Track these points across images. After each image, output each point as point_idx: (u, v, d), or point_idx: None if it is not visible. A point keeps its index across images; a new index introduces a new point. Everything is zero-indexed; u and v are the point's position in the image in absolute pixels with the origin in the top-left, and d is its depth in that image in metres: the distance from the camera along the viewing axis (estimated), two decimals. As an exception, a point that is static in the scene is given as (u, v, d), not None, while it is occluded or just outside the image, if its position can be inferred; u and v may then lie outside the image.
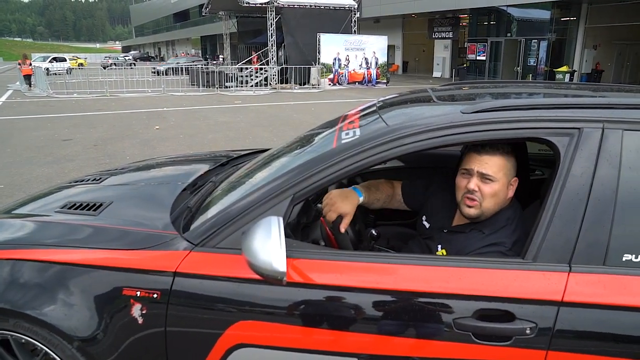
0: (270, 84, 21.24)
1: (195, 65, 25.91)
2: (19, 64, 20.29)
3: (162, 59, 55.87)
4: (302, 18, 21.56)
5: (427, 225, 1.87)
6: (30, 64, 20.82)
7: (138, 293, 1.55)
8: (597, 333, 1.33)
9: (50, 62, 30.57)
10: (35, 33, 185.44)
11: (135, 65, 34.19)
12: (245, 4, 20.93)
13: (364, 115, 1.92)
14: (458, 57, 30.21)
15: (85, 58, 52.38)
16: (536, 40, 22.88)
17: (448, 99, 2.01)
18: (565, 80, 18.92)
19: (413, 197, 2.02)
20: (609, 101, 1.54)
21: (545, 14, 22.91)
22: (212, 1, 24.33)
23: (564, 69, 21.22)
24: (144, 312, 1.55)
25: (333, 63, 21.78)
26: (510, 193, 1.66)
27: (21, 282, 1.64)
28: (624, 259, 1.36)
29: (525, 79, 19.74)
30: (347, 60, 22.03)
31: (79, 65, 30.51)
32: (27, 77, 19.95)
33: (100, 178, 2.46)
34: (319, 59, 21.52)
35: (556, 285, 1.35)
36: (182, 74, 22.85)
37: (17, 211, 2.14)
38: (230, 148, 6.57)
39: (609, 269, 1.35)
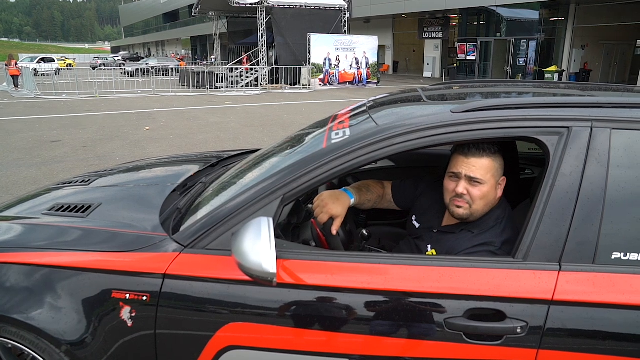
0: (260, 84, 21.19)
1: (168, 66, 25.46)
2: (6, 65, 20.07)
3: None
4: (293, 18, 21.54)
5: (417, 225, 1.86)
6: (17, 64, 20.59)
7: (127, 295, 1.54)
8: (587, 331, 1.34)
9: (38, 62, 30.23)
10: (23, 33, 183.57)
11: (124, 65, 33.69)
12: (235, 4, 20.87)
13: (354, 115, 1.92)
14: (448, 57, 30.37)
15: (74, 59, 51.92)
16: (525, 40, 23.05)
17: (438, 99, 2.01)
18: (554, 80, 19.06)
19: (403, 197, 2.02)
20: (597, 100, 1.55)
21: (534, 14, 23.09)
22: (201, 1, 24.24)
23: (553, 68, 21.41)
24: (133, 314, 1.54)
25: (324, 63, 21.79)
26: (499, 193, 1.66)
27: (7, 286, 1.62)
28: (613, 257, 1.36)
29: (515, 79, 19.90)
30: (338, 60, 22.05)
31: (67, 66, 30.25)
32: (14, 78, 19.73)
33: (88, 180, 2.44)
34: (309, 59, 21.52)
35: (546, 284, 1.35)
36: (167, 74, 22.45)
37: (3, 214, 2.11)
38: (220, 149, 6.56)
39: (599, 267, 1.36)
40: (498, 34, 24.83)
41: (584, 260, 1.37)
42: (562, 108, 1.50)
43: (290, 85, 21.22)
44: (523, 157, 2.41)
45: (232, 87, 20.65)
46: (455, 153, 1.65)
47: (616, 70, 24.06)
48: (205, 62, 33.67)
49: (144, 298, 1.53)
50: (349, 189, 1.86)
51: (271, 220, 1.40)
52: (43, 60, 31.45)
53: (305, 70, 21.32)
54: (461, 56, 26.82)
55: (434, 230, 1.77)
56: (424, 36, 30.62)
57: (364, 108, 1.96)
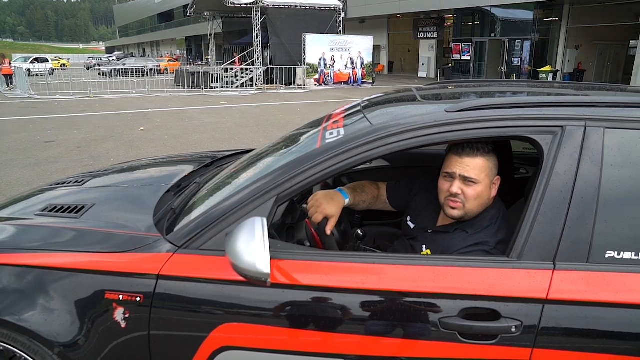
0: (256, 84, 21.15)
1: (146, 67, 24.96)
2: (-1, 65, 19.95)
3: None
4: (288, 18, 21.52)
5: (411, 225, 1.86)
6: (10, 64, 20.46)
7: (121, 297, 1.53)
8: (582, 330, 1.34)
9: (31, 62, 30.04)
10: (16, 33, 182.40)
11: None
12: (230, 4, 20.82)
13: (348, 115, 1.92)
14: (443, 57, 30.43)
15: (68, 59, 51.72)
16: (520, 41, 23.15)
17: (432, 98, 2.01)
18: (549, 80, 19.15)
19: (398, 198, 2.02)
20: (591, 99, 1.55)
21: (528, 15, 23.19)
22: (196, 1, 24.18)
23: (547, 68, 21.49)
24: (126, 315, 1.53)
25: (319, 63, 21.78)
26: (494, 192, 1.66)
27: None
28: (606, 255, 1.37)
29: (509, 79, 19.96)
30: (333, 60, 22.05)
31: (61, 66, 30.05)
32: (7, 77, 19.60)
33: (82, 180, 2.42)
34: (304, 59, 21.51)
35: (541, 283, 1.35)
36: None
37: (-4, 215, 2.09)
38: (215, 149, 6.53)
39: (592, 266, 1.36)
40: (493, 34, 24.92)
41: (578, 259, 1.37)
42: (556, 107, 1.50)
43: (286, 85, 21.20)
44: (518, 156, 2.41)
45: (227, 87, 20.60)
46: (449, 153, 1.65)
47: (610, 70, 24.18)
48: (200, 62, 33.53)
49: (138, 299, 1.52)
50: (344, 189, 1.86)
51: (265, 220, 1.39)
52: (37, 60, 31.24)
53: (300, 71, 21.31)
54: (456, 56, 26.91)
55: (429, 231, 1.77)
56: (419, 36, 30.67)
57: (359, 108, 1.96)
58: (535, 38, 22.98)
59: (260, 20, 21.34)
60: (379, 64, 33.87)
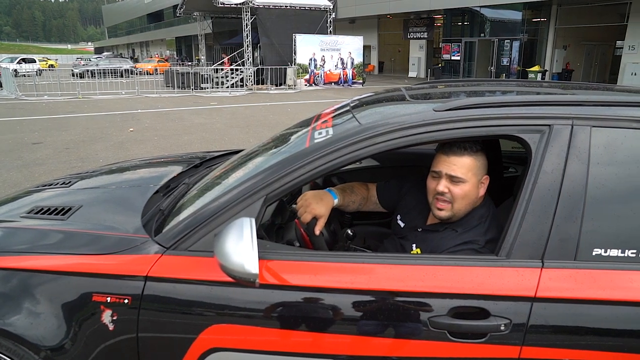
0: (246, 85, 21.09)
1: (120, 67, 24.42)
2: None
3: (135, 60, 54.94)
4: (278, 19, 21.50)
5: (401, 224, 1.87)
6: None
7: (108, 299, 1.51)
8: (570, 327, 1.35)
9: (18, 63, 29.66)
10: (2, 33, 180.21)
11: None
12: (220, 5, 20.75)
13: (337, 115, 1.91)
14: (433, 57, 30.58)
15: (56, 59, 51.19)
16: (509, 41, 23.32)
17: (421, 98, 2.02)
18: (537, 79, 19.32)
19: (388, 198, 2.02)
20: (577, 98, 1.56)
21: (516, 15, 23.38)
22: (186, 1, 24.07)
23: (536, 68, 21.67)
24: (114, 318, 1.51)
25: (309, 63, 21.78)
26: (482, 191, 1.67)
27: (-17, 291, 1.58)
28: (594, 253, 1.38)
29: (498, 78, 20.09)
30: (323, 60, 22.06)
31: (49, 67, 29.70)
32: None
33: (69, 182, 2.39)
34: (294, 59, 21.50)
35: (529, 281, 1.36)
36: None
37: (-19, 217, 2.06)
38: (205, 149, 6.50)
39: (580, 263, 1.37)
40: (482, 35, 25.08)
41: (565, 257, 1.38)
42: (543, 106, 1.51)
43: (276, 85, 21.16)
44: (507, 155, 2.42)
45: (217, 87, 20.53)
46: (437, 152, 1.65)
47: (597, 70, 24.45)
48: (190, 63, 33.35)
49: (126, 301, 1.50)
50: (333, 190, 1.86)
51: (253, 220, 1.38)
52: (24, 60, 30.88)
53: (290, 71, 21.29)
54: (446, 56, 27.04)
55: (419, 229, 1.77)
56: (409, 36, 30.79)
57: (348, 107, 1.96)
58: (524, 38, 23.16)
59: (250, 21, 21.28)
60: (369, 64, 33.94)
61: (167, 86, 21.39)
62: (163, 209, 1.86)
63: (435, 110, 1.51)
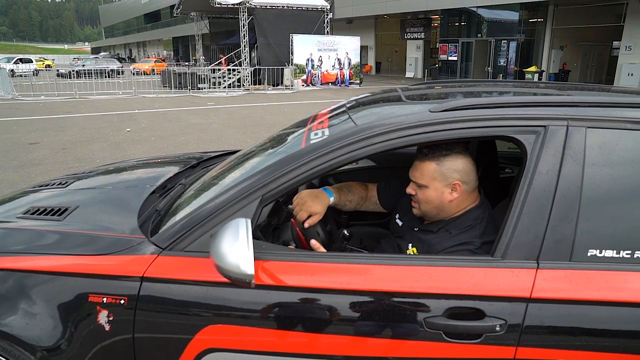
0: (243, 85, 21.08)
1: (107, 68, 24.29)
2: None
3: (132, 60, 54.77)
4: (275, 19, 21.49)
5: (399, 223, 1.87)
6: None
7: (104, 299, 1.51)
8: (565, 328, 1.35)
9: (15, 63, 29.59)
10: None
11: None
12: (217, 5, 20.74)
13: (333, 115, 1.92)
14: (430, 57, 30.62)
15: (53, 59, 51.04)
16: (506, 41, 23.37)
17: (417, 99, 2.02)
18: (534, 80, 19.35)
19: (389, 199, 2.02)
20: (573, 99, 1.57)
21: (513, 15, 23.43)
22: (183, 2, 24.05)
23: (533, 69, 21.72)
24: (110, 318, 1.51)
25: (306, 64, 21.79)
26: (451, 197, 1.63)
27: (-20, 292, 1.57)
28: (589, 254, 1.38)
29: (495, 79, 20.16)
30: (320, 61, 22.07)
31: (46, 67, 29.59)
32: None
33: (66, 182, 2.39)
34: (292, 59, 21.50)
35: (524, 282, 1.36)
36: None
37: (-24, 218, 2.05)
38: (202, 150, 6.50)
39: (575, 264, 1.38)
40: (479, 35, 25.13)
41: (561, 258, 1.38)
42: (539, 107, 1.51)
43: (273, 86, 21.15)
44: (503, 156, 2.43)
45: (215, 88, 20.51)
46: None
47: (594, 70, 24.52)
48: (187, 63, 33.29)
49: (122, 302, 1.50)
50: (329, 189, 1.86)
51: (249, 221, 1.38)
52: (20, 60, 30.79)
53: (287, 71, 21.29)
54: (443, 56, 27.09)
55: (415, 229, 1.77)
56: (406, 37, 30.83)
57: (344, 108, 1.96)
58: (520, 39, 23.21)
59: (247, 21, 21.28)
60: (367, 64, 33.95)
61: (164, 86, 21.37)
62: (159, 209, 1.86)
63: (431, 111, 1.52)
